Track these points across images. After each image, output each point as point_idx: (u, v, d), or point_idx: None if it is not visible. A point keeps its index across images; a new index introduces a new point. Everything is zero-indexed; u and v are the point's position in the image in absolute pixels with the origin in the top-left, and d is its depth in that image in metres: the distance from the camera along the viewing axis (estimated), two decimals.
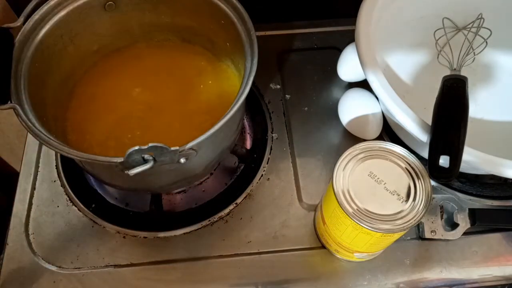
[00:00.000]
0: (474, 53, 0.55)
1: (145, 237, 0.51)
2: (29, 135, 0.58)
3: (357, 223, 0.38)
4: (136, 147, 0.34)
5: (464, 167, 0.42)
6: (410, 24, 0.57)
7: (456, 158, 0.40)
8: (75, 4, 0.47)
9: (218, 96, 0.52)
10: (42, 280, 0.48)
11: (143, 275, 0.49)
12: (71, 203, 0.53)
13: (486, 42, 0.55)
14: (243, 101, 0.41)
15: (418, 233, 0.51)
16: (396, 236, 0.41)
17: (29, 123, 0.39)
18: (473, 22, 0.56)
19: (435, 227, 0.50)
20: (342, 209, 0.39)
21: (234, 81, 0.53)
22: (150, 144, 0.34)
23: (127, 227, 0.51)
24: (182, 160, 0.38)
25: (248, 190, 0.54)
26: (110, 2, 0.49)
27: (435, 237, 0.50)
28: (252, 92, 0.61)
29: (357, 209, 0.39)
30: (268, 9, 0.65)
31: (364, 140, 0.48)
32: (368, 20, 0.50)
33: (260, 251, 0.50)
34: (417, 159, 0.41)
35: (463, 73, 0.49)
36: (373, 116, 0.55)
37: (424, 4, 0.56)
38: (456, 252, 0.51)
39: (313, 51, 0.66)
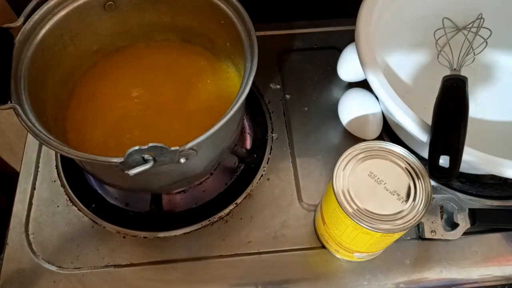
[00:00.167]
0: (474, 53, 0.55)
1: (145, 237, 0.51)
2: (29, 135, 0.58)
3: (357, 223, 0.38)
4: (136, 147, 0.34)
5: (464, 167, 0.42)
6: (410, 24, 0.57)
7: (456, 158, 0.40)
8: (75, 4, 0.47)
9: (218, 96, 0.52)
10: (42, 280, 0.48)
11: (143, 275, 0.49)
12: (71, 203, 0.53)
13: (486, 42, 0.55)
14: (243, 101, 0.41)
15: (418, 233, 0.51)
16: (396, 236, 0.41)
17: (29, 123, 0.39)
18: (473, 22, 0.56)
19: (435, 227, 0.50)
20: (342, 209, 0.39)
21: (234, 81, 0.53)
22: (150, 144, 0.34)
23: (127, 227, 0.51)
24: (182, 160, 0.38)
25: (248, 190, 0.54)
26: (110, 2, 0.49)
27: (435, 237, 0.50)
28: (252, 92, 0.61)
29: (357, 209, 0.39)
30: (268, 9, 0.65)
31: (364, 140, 0.48)
32: (368, 20, 0.50)
33: (260, 251, 0.50)
34: (417, 159, 0.41)
35: (463, 73, 0.49)
36: (373, 116, 0.55)
37: (424, 4, 0.56)
38: (456, 252, 0.51)
39: (313, 51, 0.66)
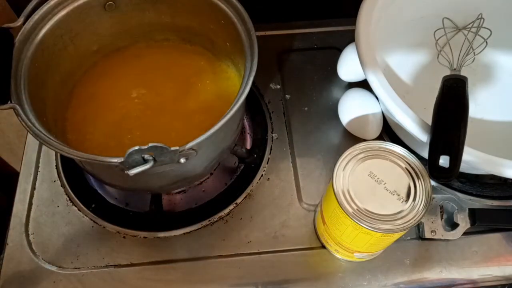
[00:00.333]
0: (474, 53, 0.55)
1: (145, 237, 0.51)
2: (29, 135, 0.58)
3: (357, 223, 0.38)
4: (136, 147, 0.34)
5: (464, 167, 0.42)
6: (410, 24, 0.57)
7: (456, 158, 0.40)
8: (75, 4, 0.47)
9: (218, 96, 0.52)
10: (42, 280, 0.48)
11: (143, 275, 0.49)
12: (71, 203, 0.53)
13: (486, 42, 0.55)
14: (243, 101, 0.41)
15: (418, 233, 0.51)
16: (396, 236, 0.41)
17: (29, 123, 0.39)
18: (473, 22, 0.56)
19: (435, 227, 0.50)
20: (342, 209, 0.39)
21: (234, 81, 0.53)
22: (150, 144, 0.34)
23: (127, 227, 0.51)
24: (182, 160, 0.38)
25: (248, 190, 0.54)
26: (110, 2, 0.49)
27: (435, 237, 0.50)
28: (252, 92, 0.61)
29: (357, 209, 0.39)
30: (268, 9, 0.65)
31: (364, 140, 0.48)
32: (368, 20, 0.50)
33: (260, 251, 0.50)
34: (417, 159, 0.41)
35: (463, 73, 0.49)
36: (373, 116, 0.55)
37: (424, 4, 0.56)
38: (456, 252, 0.51)
39: (313, 51, 0.66)
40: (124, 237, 0.51)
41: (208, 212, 0.53)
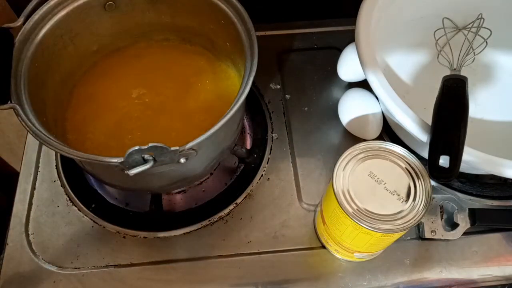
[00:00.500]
0: (474, 53, 0.55)
1: (145, 237, 0.51)
2: (29, 135, 0.58)
3: (357, 223, 0.38)
4: (136, 147, 0.34)
5: (464, 167, 0.42)
6: (410, 24, 0.57)
7: (456, 158, 0.40)
8: (75, 4, 0.47)
9: (218, 96, 0.52)
10: (42, 280, 0.48)
11: (143, 275, 0.49)
12: (71, 203, 0.53)
13: (486, 42, 0.55)
14: (243, 101, 0.41)
15: (418, 233, 0.51)
16: (396, 236, 0.41)
17: (29, 123, 0.39)
18: (473, 22, 0.56)
19: (435, 227, 0.50)
20: (342, 209, 0.39)
21: (234, 81, 0.53)
22: (150, 144, 0.34)
23: (127, 227, 0.51)
24: (182, 160, 0.38)
25: (248, 190, 0.54)
26: (110, 2, 0.49)
27: (435, 237, 0.50)
28: (252, 92, 0.61)
29: (357, 209, 0.39)
30: (268, 9, 0.65)
31: (364, 140, 0.48)
32: (368, 20, 0.50)
33: (260, 251, 0.50)
34: (417, 159, 0.41)
35: (463, 73, 0.49)
36: (373, 116, 0.55)
37: (424, 4, 0.56)
38: (456, 252, 0.51)
39: (313, 51, 0.66)
40: (124, 237, 0.51)
41: (208, 212, 0.53)
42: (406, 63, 0.59)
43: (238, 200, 0.53)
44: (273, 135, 0.58)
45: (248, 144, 0.58)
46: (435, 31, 0.56)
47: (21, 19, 0.43)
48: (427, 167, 0.40)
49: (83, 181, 0.55)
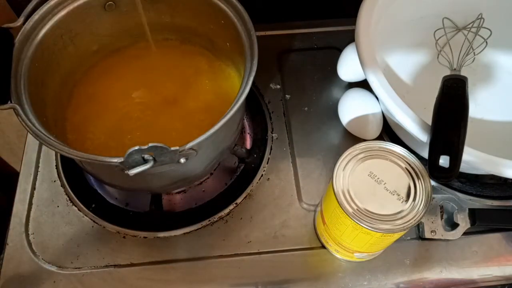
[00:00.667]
0: (474, 53, 0.55)
1: (145, 237, 0.51)
2: (29, 135, 0.58)
3: (357, 223, 0.38)
4: (136, 147, 0.34)
5: (464, 167, 0.42)
6: (410, 24, 0.57)
7: (456, 158, 0.40)
8: (75, 4, 0.47)
9: (218, 96, 0.52)
10: (42, 280, 0.48)
11: (143, 275, 0.49)
12: (71, 203, 0.53)
13: (486, 42, 0.55)
14: (243, 101, 0.41)
15: (418, 233, 0.51)
16: (396, 236, 0.41)
17: (29, 123, 0.39)
18: (473, 22, 0.56)
19: (435, 227, 0.50)
20: (342, 209, 0.39)
21: (234, 81, 0.53)
22: (150, 144, 0.34)
23: (127, 227, 0.51)
24: (182, 160, 0.38)
25: (248, 190, 0.54)
26: (110, 2, 0.49)
27: (435, 237, 0.50)
28: (252, 92, 0.61)
29: (357, 209, 0.39)
30: (268, 9, 0.65)
31: (364, 140, 0.48)
32: (368, 20, 0.50)
33: (260, 251, 0.50)
34: (417, 159, 0.41)
35: (463, 73, 0.49)
36: (373, 116, 0.55)
37: (424, 4, 0.56)
38: (456, 252, 0.51)
39: (313, 51, 0.66)
40: (124, 237, 0.51)
41: (208, 212, 0.53)
42: (406, 63, 0.59)
43: (238, 200, 0.53)
44: (273, 135, 0.58)
45: (248, 144, 0.58)
46: (435, 31, 0.56)
47: (21, 19, 0.43)
48: (427, 167, 0.40)
49: (83, 181, 0.55)
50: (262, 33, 0.66)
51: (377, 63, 0.47)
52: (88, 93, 0.52)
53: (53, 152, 0.57)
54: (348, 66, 0.59)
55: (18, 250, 0.50)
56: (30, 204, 0.53)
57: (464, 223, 0.50)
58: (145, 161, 0.36)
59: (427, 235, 0.50)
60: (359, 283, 0.49)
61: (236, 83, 0.52)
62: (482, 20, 0.56)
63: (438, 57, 0.55)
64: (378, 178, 0.40)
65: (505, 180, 0.55)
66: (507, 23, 0.57)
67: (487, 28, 0.55)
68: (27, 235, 0.51)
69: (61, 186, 0.54)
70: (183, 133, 0.49)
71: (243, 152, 0.54)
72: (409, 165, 0.41)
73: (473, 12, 0.56)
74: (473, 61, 0.55)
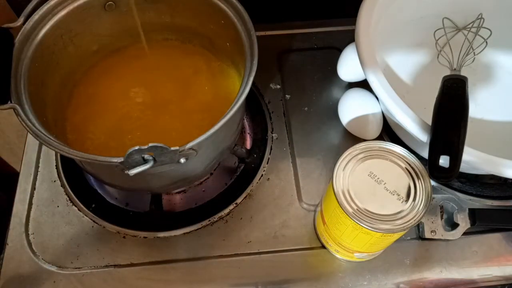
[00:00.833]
0: (474, 53, 0.55)
1: (145, 237, 0.51)
2: (29, 135, 0.58)
3: (357, 223, 0.38)
4: (136, 147, 0.34)
5: (464, 167, 0.42)
6: (410, 24, 0.57)
7: (456, 158, 0.40)
8: (75, 4, 0.47)
9: (218, 96, 0.52)
10: (42, 280, 0.48)
11: (143, 275, 0.49)
12: (71, 203, 0.53)
13: (486, 42, 0.55)
14: (243, 101, 0.41)
15: (418, 233, 0.51)
16: (396, 236, 0.41)
17: (29, 123, 0.39)
18: (473, 22, 0.56)
19: (435, 227, 0.50)
20: (342, 209, 0.39)
21: (234, 81, 0.53)
22: (150, 144, 0.34)
23: (127, 227, 0.51)
24: (182, 160, 0.38)
25: (248, 190, 0.54)
26: (110, 2, 0.49)
27: (435, 237, 0.50)
28: (252, 92, 0.61)
29: (357, 209, 0.39)
30: (268, 9, 0.65)
31: (364, 140, 0.48)
32: (368, 20, 0.50)
33: (260, 251, 0.50)
34: (417, 159, 0.41)
35: (463, 73, 0.49)
36: (373, 116, 0.55)
37: (424, 4, 0.56)
38: (456, 252, 0.51)
39: (313, 51, 0.66)
40: (124, 237, 0.51)
41: (208, 212, 0.53)
42: (406, 63, 0.59)
43: (238, 200, 0.53)
44: (273, 135, 0.58)
45: (248, 144, 0.58)
46: (435, 31, 0.56)
47: (21, 19, 0.43)
48: (427, 167, 0.40)
49: (83, 181, 0.55)
50: (262, 33, 0.66)
51: (377, 63, 0.47)
52: (88, 93, 0.52)
53: (53, 152, 0.57)
54: (348, 66, 0.59)
55: (18, 250, 0.50)
56: (30, 204, 0.53)
57: (464, 223, 0.50)
58: (145, 161, 0.36)
59: (427, 235, 0.50)
60: (359, 283, 0.49)
61: (236, 83, 0.52)
62: (482, 20, 0.56)
63: (438, 57, 0.55)
64: (378, 178, 0.40)
65: (505, 180, 0.55)
66: (507, 23, 0.57)
67: (487, 28, 0.55)
68: (27, 235, 0.51)
69: (61, 186, 0.54)
70: (183, 133, 0.49)
71: (243, 152, 0.54)
72: (409, 165, 0.41)
73: (473, 12, 0.56)
74: (473, 61, 0.55)
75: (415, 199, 0.39)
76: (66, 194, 0.54)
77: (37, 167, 0.55)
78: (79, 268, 0.49)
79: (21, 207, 0.53)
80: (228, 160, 0.57)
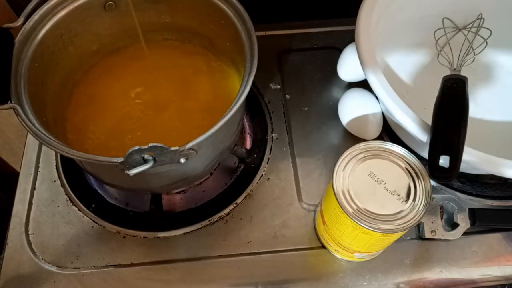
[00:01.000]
0: (474, 53, 0.55)
1: (145, 237, 0.51)
2: (29, 135, 0.58)
3: (357, 223, 0.38)
4: (136, 147, 0.34)
5: (464, 167, 0.42)
6: (410, 24, 0.57)
7: (456, 158, 0.40)
8: (75, 4, 0.47)
9: (218, 96, 0.52)
10: (42, 280, 0.48)
11: (143, 275, 0.49)
12: (71, 203, 0.53)
13: (486, 42, 0.55)
14: (243, 101, 0.41)
15: (418, 233, 0.51)
16: (396, 236, 0.41)
17: (29, 123, 0.39)
18: (473, 22, 0.56)
19: (435, 227, 0.50)
20: (342, 209, 0.39)
21: (234, 81, 0.53)
22: (150, 144, 0.34)
23: (127, 227, 0.51)
24: (182, 160, 0.38)
25: (248, 190, 0.54)
26: (110, 2, 0.49)
27: (435, 237, 0.50)
28: (252, 92, 0.61)
29: (357, 209, 0.39)
30: (268, 9, 0.65)
31: (364, 140, 0.48)
32: (368, 20, 0.50)
33: (260, 251, 0.50)
34: (417, 159, 0.41)
35: (463, 73, 0.49)
36: (373, 116, 0.55)
37: (424, 4, 0.56)
38: (456, 252, 0.51)
39: (313, 51, 0.66)
40: (124, 237, 0.51)
41: (208, 212, 0.53)
42: (406, 63, 0.59)
43: (238, 200, 0.53)
44: (273, 135, 0.58)
45: (248, 144, 0.58)
46: (435, 31, 0.56)
47: (21, 19, 0.43)
48: (427, 167, 0.40)
49: (83, 181, 0.55)
50: (262, 33, 0.66)
51: (377, 63, 0.47)
52: (88, 93, 0.52)
53: (53, 152, 0.57)
54: (348, 66, 0.59)
55: (18, 250, 0.50)
56: (30, 204, 0.53)
57: (464, 223, 0.50)
58: (145, 161, 0.36)
59: (427, 235, 0.50)
60: (359, 283, 0.49)
61: (236, 83, 0.52)
62: (482, 20, 0.56)
63: (438, 57, 0.55)
64: (378, 178, 0.40)
65: (505, 180, 0.55)
66: (507, 23, 0.57)
67: (487, 28, 0.55)
68: (27, 235, 0.51)
69: (61, 186, 0.54)
70: (183, 133, 0.49)
71: (243, 152, 0.54)
72: (409, 165, 0.41)
73: (473, 12, 0.56)
74: (473, 61, 0.55)
75: (415, 199, 0.39)
76: (66, 194, 0.54)
77: (37, 167, 0.55)
78: (79, 268, 0.49)
79: (21, 207, 0.53)
80: (228, 160, 0.57)
